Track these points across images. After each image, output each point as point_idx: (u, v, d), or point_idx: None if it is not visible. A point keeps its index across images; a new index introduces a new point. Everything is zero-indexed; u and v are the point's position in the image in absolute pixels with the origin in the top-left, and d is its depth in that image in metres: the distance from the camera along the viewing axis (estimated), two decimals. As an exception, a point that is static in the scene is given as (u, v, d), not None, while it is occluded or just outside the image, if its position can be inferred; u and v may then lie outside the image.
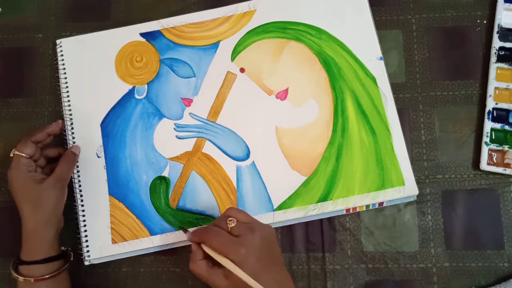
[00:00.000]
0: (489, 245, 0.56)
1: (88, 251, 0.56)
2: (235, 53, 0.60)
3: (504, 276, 0.55)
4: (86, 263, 0.56)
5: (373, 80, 0.58)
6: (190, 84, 0.60)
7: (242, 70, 0.60)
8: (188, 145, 0.59)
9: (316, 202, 0.56)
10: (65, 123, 0.59)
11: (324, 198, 0.56)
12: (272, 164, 0.57)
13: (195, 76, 0.60)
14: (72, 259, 0.55)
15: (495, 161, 0.57)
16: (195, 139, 0.59)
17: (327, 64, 0.59)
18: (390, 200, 0.56)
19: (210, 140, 0.59)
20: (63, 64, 0.61)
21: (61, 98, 0.60)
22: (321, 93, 0.59)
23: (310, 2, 0.61)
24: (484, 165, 0.57)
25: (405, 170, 0.56)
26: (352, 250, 0.57)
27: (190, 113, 0.59)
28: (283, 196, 0.57)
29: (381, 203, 0.56)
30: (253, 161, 0.58)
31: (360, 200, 0.56)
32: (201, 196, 0.57)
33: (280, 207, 0.56)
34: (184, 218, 0.57)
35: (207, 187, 0.57)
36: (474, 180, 0.57)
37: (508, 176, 0.57)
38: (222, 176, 0.58)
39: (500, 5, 0.60)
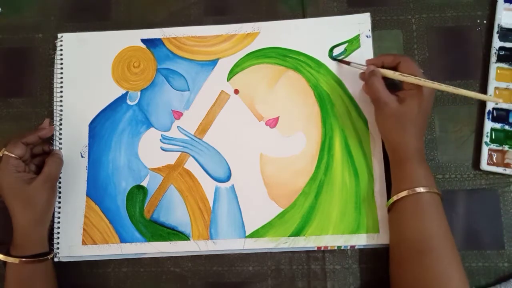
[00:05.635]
0: (489, 245, 0.56)
1: (58, 248, 0.57)
2: (232, 73, 0.60)
3: (504, 276, 0.55)
4: (56, 259, 0.57)
5: (365, 122, 0.58)
6: (183, 97, 0.60)
7: (236, 91, 0.60)
8: (171, 158, 0.59)
9: (289, 236, 0.56)
10: (54, 118, 0.60)
11: (297, 233, 0.56)
12: (251, 190, 0.57)
13: (189, 90, 0.60)
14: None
15: (495, 161, 0.56)
16: (179, 153, 0.59)
17: (322, 99, 0.59)
18: (362, 244, 0.56)
19: (193, 157, 0.59)
20: (61, 59, 0.61)
21: (53, 93, 0.60)
22: (311, 127, 0.58)
23: (315, 34, 0.60)
24: (484, 165, 0.56)
25: (382, 218, 0.55)
26: (352, 250, 0.57)
27: (178, 127, 0.59)
28: (257, 224, 0.56)
29: (352, 246, 0.56)
30: (232, 184, 0.58)
31: (332, 241, 0.56)
32: (176, 211, 0.57)
33: (252, 235, 0.56)
34: (156, 230, 0.57)
35: (183, 203, 0.58)
36: (474, 180, 0.57)
37: (508, 176, 0.57)
38: (199, 194, 0.58)
39: (500, 5, 0.59)
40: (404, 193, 0.50)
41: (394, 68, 0.53)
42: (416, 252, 0.49)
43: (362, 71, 0.56)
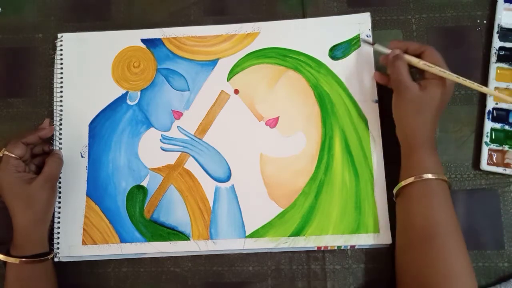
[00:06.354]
0: (489, 245, 0.56)
1: (58, 248, 0.57)
2: (232, 73, 0.60)
3: (504, 276, 0.55)
4: (56, 259, 0.57)
5: (365, 122, 0.58)
6: (183, 97, 0.60)
7: (236, 91, 0.60)
8: (171, 158, 0.59)
9: (289, 236, 0.56)
10: (54, 118, 0.60)
11: (297, 233, 0.56)
12: (251, 190, 0.57)
13: (189, 90, 0.60)
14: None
15: (495, 161, 0.57)
16: (179, 153, 0.59)
17: (322, 99, 0.59)
18: (362, 244, 0.56)
19: (193, 157, 0.59)
20: (61, 59, 0.61)
21: (53, 93, 0.60)
22: (311, 127, 0.58)
23: (315, 34, 0.60)
24: (484, 165, 0.56)
25: (382, 218, 0.55)
26: (352, 250, 0.57)
27: (178, 127, 0.59)
28: (257, 224, 0.56)
29: (352, 246, 0.56)
30: (232, 184, 0.58)
31: (332, 241, 0.56)
32: (176, 211, 0.57)
33: (252, 235, 0.56)
34: (156, 230, 0.57)
35: (183, 203, 0.57)
36: (474, 180, 0.57)
37: (508, 176, 0.57)
38: (199, 194, 0.58)
39: (500, 5, 0.59)
40: (411, 179, 0.50)
41: (418, 57, 0.53)
42: (422, 238, 0.49)
43: (384, 54, 0.55)
